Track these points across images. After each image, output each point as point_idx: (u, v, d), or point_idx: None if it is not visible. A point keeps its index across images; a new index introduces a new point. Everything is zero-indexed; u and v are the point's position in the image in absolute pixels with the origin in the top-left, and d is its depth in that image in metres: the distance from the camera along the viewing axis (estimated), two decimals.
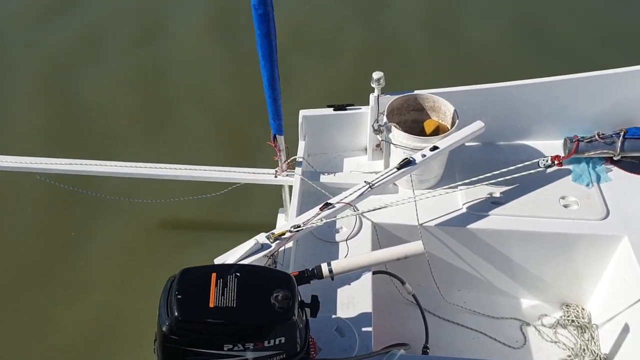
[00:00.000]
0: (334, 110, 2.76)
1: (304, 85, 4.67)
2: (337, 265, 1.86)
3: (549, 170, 2.61)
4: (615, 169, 2.75)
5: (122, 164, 2.95)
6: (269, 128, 2.55)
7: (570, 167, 2.75)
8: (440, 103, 2.64)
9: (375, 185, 2.31)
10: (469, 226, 2.50)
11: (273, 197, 3.25)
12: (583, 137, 2.72)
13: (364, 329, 2.08)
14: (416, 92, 2.66)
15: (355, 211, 2.36)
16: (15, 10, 5.92)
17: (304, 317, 1.67)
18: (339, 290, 2.23)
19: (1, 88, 4.98)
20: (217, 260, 2.04)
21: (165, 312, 1.47)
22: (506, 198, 2.60)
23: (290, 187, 2.75)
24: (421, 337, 2.28)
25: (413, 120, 2.71)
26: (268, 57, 2.17)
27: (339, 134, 2.85)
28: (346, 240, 2.45)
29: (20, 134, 4.50)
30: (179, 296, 1.47)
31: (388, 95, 2.61)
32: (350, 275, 2.26)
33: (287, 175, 2.78)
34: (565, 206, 2.58)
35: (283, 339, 1.51)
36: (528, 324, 2.74)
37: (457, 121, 2.51)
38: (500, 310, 2.79)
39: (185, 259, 3.46)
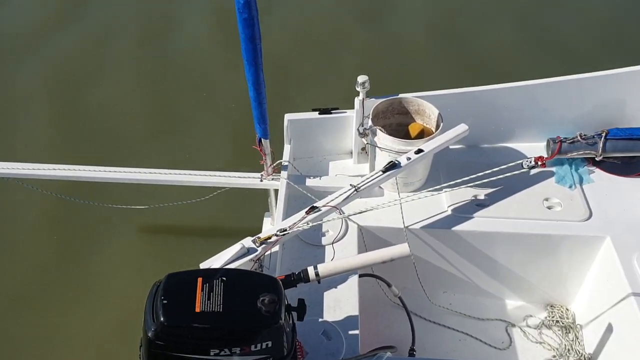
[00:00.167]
0: (319, 113, 2.77)
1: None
2: (324, 268, 1.86)
3: (533, 172, 2.65)
4: (597, 170, 2.79)
5: (104, 169, 2.92)
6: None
7: (553, 169, 2.78)
8: (424, 106, 2.65)
9: (361, 188, 2.31)
10: (454, 228, 2.52)
11: (259, 201, 3.25)
12: (565, 138, 2.75)
13: (350, 332, 2.08)
14: (401, 95, 2.67)
15: (341, 214, 2.37)
16: (24, 18, 5.89)
17: (291, 321, 1.67)
18: (325, 293, 2.23)
19: (10, 94, 4.95)
20: (203, 265, 2.03)
21: (151, 317, 1.46)
22: (490, 200, 2.63)
23: (276, 191, 2.75)
24: (408, 340, 2.28)
25: (398, 123, 2.72)
26: (253, 61, 2.17)
27: (325, 138, 2.85)
28: (332, 243, 2.46)
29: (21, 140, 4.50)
30: (165, 301, 1.46)
31: (373, 99, 2.62)
32: (337, 279, 2.26)
33: (272, 179, 2.77)
34: (549, 208, 2.60)
35: (270, 343, 1.50)
36: (513, 325, 2.76)
37: (442, 124, 2.53)
38: (485, 311, 2.80)
39: (170, 264, 3.45)
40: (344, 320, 2.13)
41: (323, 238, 2.48)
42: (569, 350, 2.62)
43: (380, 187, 2.66)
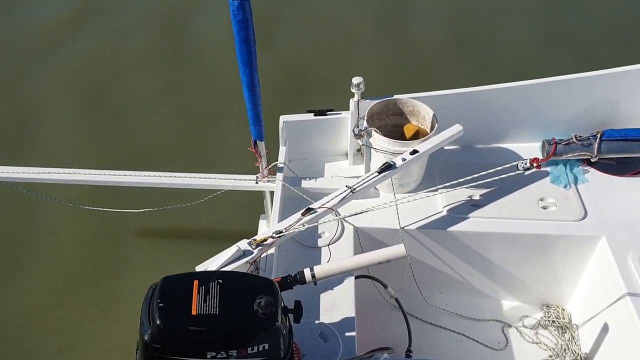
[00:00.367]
0: (315, 115, 2.77)
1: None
2: (320, 270, 1.86)
3: (528, 172, 2.65)
4: (592, 170, 2.80)
5: (100, 172, 2.91)
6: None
7: (548, 169, 2.78)
8: (419, 107, 2.65)
9: (357, 189, 2.31)
10: (449, 229, 2.52)
11: (254, 203, 3.24)
12: (561, 140, 2.76)
13: (347, 334, 2.08)
14: (395, 96, 2.67)
15: (337, 216, 2.36)
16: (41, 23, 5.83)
17: (287, 323, 1.66)
18: (321, 295, 2.23)
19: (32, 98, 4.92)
20: (199, 268, 2.03)
21: (147, 320, 1.45)
22: (486, 200, 2.63)
23: (272, 193, 2.74)
24: (404, 341, 2.29)
25: (393, 124, 2.73)
26: (247, 62, 2.17)
27: (320, 139, 2.85)
28: (328, 245, 2.45)
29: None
30: (161, 304, 1.46)
31: (368, 100, 2.62)
32: (333, 280, 2.26)
33: (268, 181, 2.77)
34: (544, 208, 2.61)
35: (266, 346, 1.50)
36: (509, 326, 2.76)
37: (437, 125, 2.53)
38: (481, 312, 2.81)
39: (166, 267, 3.43)
40: (341, 321, 2.12)
41: (319, 240, 2.48)
42: (565, 350, 2.63)
43: (375, 188, 2.66)
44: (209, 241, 3.64)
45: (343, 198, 2.29)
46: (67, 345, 3.19)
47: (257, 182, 2.79)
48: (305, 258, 2.40)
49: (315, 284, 1.88)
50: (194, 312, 1.45)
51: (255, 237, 2.14)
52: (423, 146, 2.44)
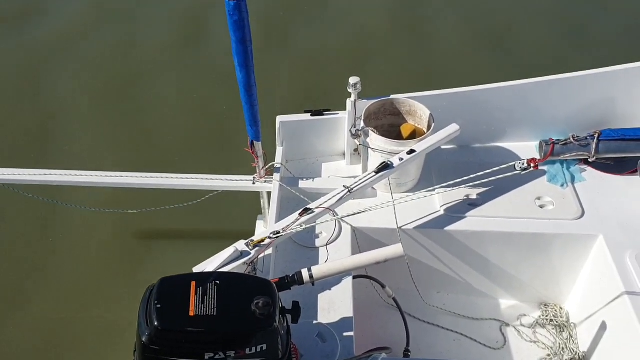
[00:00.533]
0: (311, 115, 2.76)
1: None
2: (318, 270, 1.86)
3: (525, 172, 2.65)
4: (589, 168, 2.80)
5: (95, 173, 2.91)
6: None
7: (545, 168, 2.78)
8: (416, 107, 2.65)
9: (354, 189, 2.31)
10: (447, 228, 2.52)
11: (251, 204, 3.24)
12: (558, 140, 2.76)
13: (345, 334, 2.07)
14: (392, 96, 2.67)
15: (334, 216, 2.36)
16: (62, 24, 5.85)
17: (285, 324, 1.66)
18: (319, 295, 2.22)
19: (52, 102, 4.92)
20: (196, 269, 2.02)
21: (145, 321, 1.45)
22: (483, 200, 2.63)
23: (269, 194, 2.74)
24: (402, 341, 2.29)
25: (390, 124, 2.72)
26: (244, 63, 2.17)
27: (317, 140, 2.85)
28: (326, 245, 2.45)
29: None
30: (159, 305, 1.45)
31: (365, 100, 2.62)
32: (331, 281, 2.26)
33: (265, 181, 2.77)
34: (541, 207, 2.61)
35: (264, 346, 1.50)
36: (507, 325, 2.77)
37: (434, 125, 2.53)
38: (479, 311, 2.81)
39: (163, 268, 3.42)
40: (339, 322, 2.12)
41: (317, 240, 2.48)
42: (563, 348, 2.63)
43: (373, 188, 2.65)
44: (206, 242, 3.63)
45: (340, 198, 2.29)
46: (67, 346, 3.19)
47: (254, 183, 2.79)
48: (303, 258, 2.40)
49: (313, 285, 1.87)
50: (191, 313, 1.45)
51: (252, 238, 2.13)
52: (420, 146, 2.44)
